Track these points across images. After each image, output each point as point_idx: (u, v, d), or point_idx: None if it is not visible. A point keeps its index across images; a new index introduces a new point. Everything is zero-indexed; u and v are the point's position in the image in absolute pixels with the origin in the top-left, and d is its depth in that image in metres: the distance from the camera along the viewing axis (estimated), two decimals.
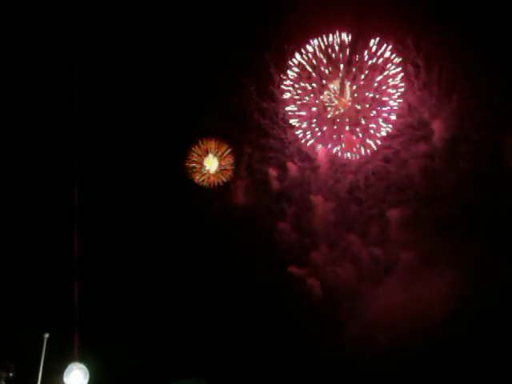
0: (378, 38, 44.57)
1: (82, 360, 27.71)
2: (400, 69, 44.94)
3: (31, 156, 33.14)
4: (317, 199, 44.06)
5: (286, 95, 45.33)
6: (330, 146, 45.36)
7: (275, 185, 43.67)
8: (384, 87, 45.06)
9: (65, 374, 27.14)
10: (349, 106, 45.79)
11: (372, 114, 45.31)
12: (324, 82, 45.49)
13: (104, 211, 32.72)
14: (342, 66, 45.24)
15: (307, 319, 36.59)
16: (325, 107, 45.56)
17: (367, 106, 45.58)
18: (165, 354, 31.43)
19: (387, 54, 44.60)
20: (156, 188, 37.55)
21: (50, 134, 33.57)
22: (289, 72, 45.28)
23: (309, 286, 38.52)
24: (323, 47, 45.12)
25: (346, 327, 35.80)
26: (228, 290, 35.45)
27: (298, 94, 45.37)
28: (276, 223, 41.85)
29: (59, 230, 31.55)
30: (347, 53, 45.02)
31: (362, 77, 45.18)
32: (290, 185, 44.55)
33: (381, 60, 44.78)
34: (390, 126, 44.84)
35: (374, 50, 44.96)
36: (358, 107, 45.49)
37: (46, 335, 27.22)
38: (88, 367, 27.50)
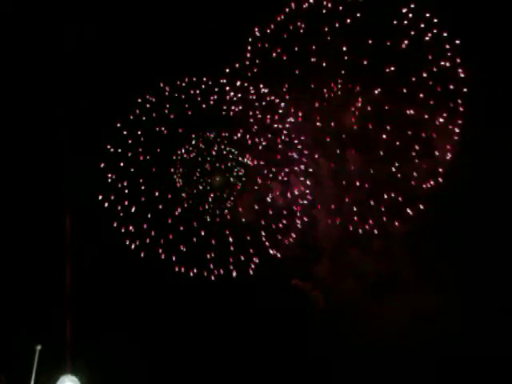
0: None
1: (74, 372, 27.57)
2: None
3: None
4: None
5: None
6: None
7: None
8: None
9: None
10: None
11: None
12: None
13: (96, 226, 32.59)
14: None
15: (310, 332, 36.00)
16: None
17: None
18: (159, 366, 31.18)
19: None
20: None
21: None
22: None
23: (313, 299, 37.80)
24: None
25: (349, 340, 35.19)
26: (230, 303, 34.88)
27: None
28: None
29: (51, 241, 31.64)
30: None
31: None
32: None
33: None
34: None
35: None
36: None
37: (38, 347, 27.10)
38: (80, 379, 27.34)
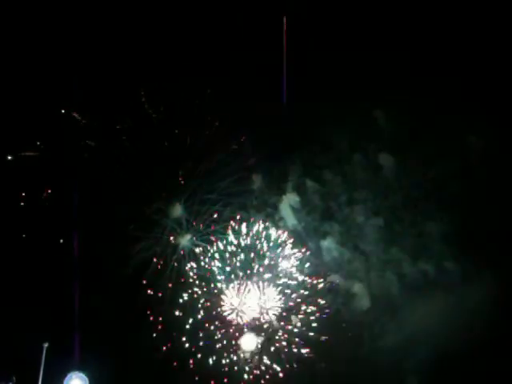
0: None
1: (81, 368, 27.93)
2: None
3: None
4: None
5: None
6: None
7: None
8: None
9: (64, 382, 27.43)
10: None
11: None
12: None
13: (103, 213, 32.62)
14: None
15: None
16: None
17: None
18: (166, 363, 31.28)
19: None
20: None
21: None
22: None
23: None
24: None
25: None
26: None
27: None
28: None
29: (58, 239, 31.76)
30: None
31: None
32: None
33: None
34: None
35: None
36: None
37: (45, 345, 27.51)
38: (88, 376, 27.72)
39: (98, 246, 31.12)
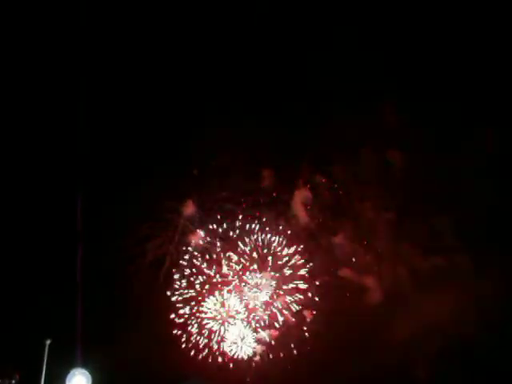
0: None
1: (84, 365, 27.78)
2: None
3: None
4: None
5: None
6: None
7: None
8: None
9: (67, 379, 27.35)
10: None
11: None
12: None
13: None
14: None
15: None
16: None
17: None
18: (167, 357, 30.71)
19: None
20: None
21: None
22: None
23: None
24: None
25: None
26: None
27: None
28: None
29: (61, 236, 32.12)
30: None
31: None
32: None
33: None
34: None
35: None
36: None
37: (48, 341, 27.61)
38: (90, 372, 27.50)
39: (103, 244, 31.44)
